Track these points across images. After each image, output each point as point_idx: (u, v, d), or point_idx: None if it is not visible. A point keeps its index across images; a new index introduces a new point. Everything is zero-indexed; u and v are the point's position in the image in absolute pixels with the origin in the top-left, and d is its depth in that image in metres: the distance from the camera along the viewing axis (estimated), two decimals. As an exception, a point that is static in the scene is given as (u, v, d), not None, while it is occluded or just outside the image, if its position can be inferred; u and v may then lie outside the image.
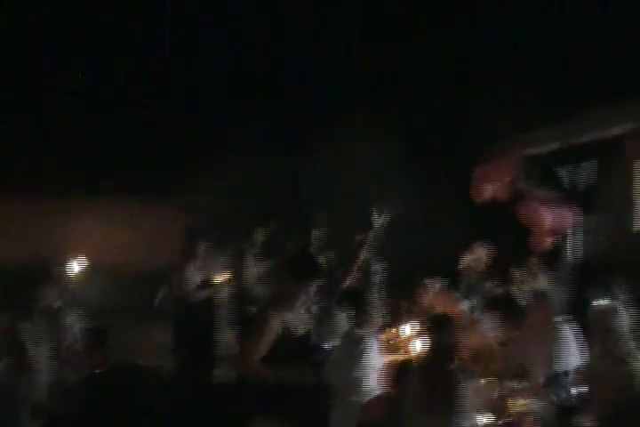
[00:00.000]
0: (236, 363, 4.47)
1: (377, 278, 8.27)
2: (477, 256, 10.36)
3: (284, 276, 4.44)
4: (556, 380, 4.36)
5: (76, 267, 7.58)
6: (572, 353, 5.10)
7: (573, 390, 3.70)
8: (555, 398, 3.90)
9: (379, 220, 6.19)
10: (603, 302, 4.71)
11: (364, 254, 6.57)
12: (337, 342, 4.97)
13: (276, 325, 4.14)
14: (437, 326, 4.16)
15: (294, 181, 12.32)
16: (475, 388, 3.92)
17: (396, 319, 6.51)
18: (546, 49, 9.76)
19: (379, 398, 4.53)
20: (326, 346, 4.79)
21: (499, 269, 9.42)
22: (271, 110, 12.02)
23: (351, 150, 12.18)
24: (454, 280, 8.98)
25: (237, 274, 7.36)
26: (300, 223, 10.56)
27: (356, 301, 5.14)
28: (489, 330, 5.94)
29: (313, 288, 4.40)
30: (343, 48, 12.12)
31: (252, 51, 12.58)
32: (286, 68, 12.61)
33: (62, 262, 7.76)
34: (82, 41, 12.30)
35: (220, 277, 7.37)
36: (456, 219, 10.98)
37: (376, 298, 5.13)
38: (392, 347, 6.15)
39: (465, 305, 6.13)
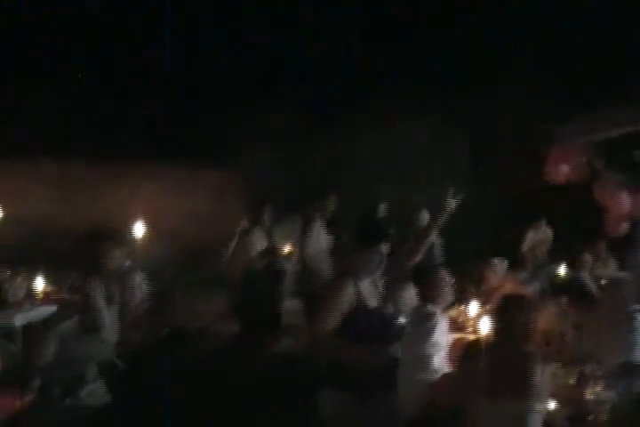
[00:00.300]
0: (312, 332, 4.46)
1: (439, 256, 8.26)
2: (542, 236, 10.22)
3: (353, 242, 4.48)
4: (632, 369, 4.26)
5: (142, 230, 7.69)
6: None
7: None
8: (633, 389, 3.81)
9: (451, 202, 6.10)
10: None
11: (433, 233, 6.56)
12: (407, 318, 4.94)
13: (350, 294, 4.18)
14: (512, 306, 4.07)
15: (353, 154, 12.28)
16: (546, 372, 3.84)
17: (462, 298, 6.45)
18: (619, 25, 9.47)
19: (447, 376, 4.50)
20: (399, 321, 4.77)
21: (565, 252, 9.27)
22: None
23: (411, 129, 12.08)
24: (520, 261, 8.89)
25: (305, 243, 7.34)
26: (361, 197, 10.56)
27: (426, 277, 5.09)
28: (559, 314, 5.88)
29: (382, 253, 4.42)
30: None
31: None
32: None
33: (129, 226, 7.89)
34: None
35: (285, 248, 7.39)
36: (525, 201, 10.84)
37: (445, 275, 5.04)
38: (459, 325, 6.12)
39: (533, 287, 6.02)
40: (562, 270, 7.66)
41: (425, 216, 8.26)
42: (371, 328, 4.24)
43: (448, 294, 5.01)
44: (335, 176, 11.35)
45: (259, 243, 7.42)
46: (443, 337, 4.78)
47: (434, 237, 6.52)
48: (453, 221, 8.72)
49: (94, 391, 5.73)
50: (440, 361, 4.68)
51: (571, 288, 5.96)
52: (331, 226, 7.59)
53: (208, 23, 13.21)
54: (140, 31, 12.96)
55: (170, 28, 13.18)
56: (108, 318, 5.91)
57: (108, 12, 13.12)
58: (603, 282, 7.47)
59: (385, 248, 4.52)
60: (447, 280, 5.00)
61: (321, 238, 7.39)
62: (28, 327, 5.91)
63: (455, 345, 4.92)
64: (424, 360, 4.62)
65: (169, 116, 12.57)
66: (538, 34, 10.95)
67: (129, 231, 7.73)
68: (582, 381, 4.25)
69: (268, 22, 12.89)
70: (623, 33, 9.85)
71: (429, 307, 4.80)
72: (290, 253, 7.41)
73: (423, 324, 4.70)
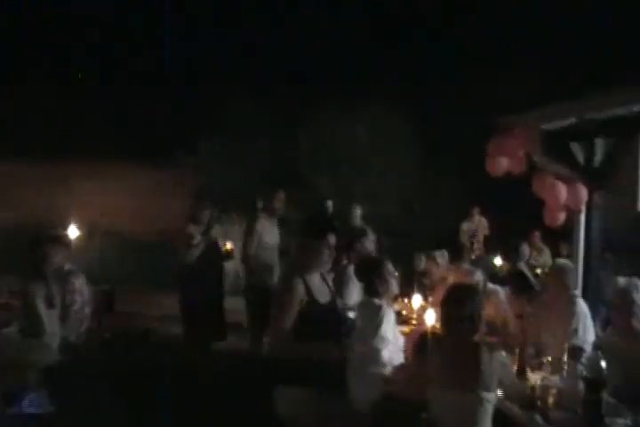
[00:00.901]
0: (271, 332, 4.44)
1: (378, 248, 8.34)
2: (476, 225, 10.42)
3: (302, 235, 4.49)
4: (580, 353, 4.37)
5: (82, 231, 7.53)
6: (589, 327, 5.14)
7: (602, 364, 3.69)
8: (584, 372, 3.90)
9: None
10: (622, 278, 4.69)
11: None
12: (355, 312, 4.96)
13: (300, 290, 4.19)
14: (458, 296, 4.07)
15: (295, 150, 12.30)
16: (493, 361, 3.90)
17: (406, 291, 6.53)
18: (564, 23, 9.73)
19: (401, 369, 4.54)
20: (350, 316, 4.78)
21: (501, 241, 9.47)
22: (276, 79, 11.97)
23: (354, 122, 12.17)
24: (460, 252, 9.05)
25: (248, 241, 7.29)
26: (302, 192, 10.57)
27: (370, 270, 5.10)
28: (503, 302, 6.01)
29: (330, 246, 4.44)
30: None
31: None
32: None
33: (69, 227, 7.73)
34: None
35: (224, 246, 7.32)
36: (460, 192, 11.05)
37: (389, 267, 5.06)
38: (405, 318, 6.19)
39: (478, 277, 6.12)
40: (498, 261, 7.84)
41: (358, 213, 8.36)
42: (323, 324, 4.24)
43: (393, 286, 5.03)
44: (278, 173, 11.39)
45: (198, 242, 7.26)
46: (390, 330, 4.82)
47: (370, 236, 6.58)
48: (395, 215, 8.89)
49: (37, 399, 5.58)
50: (389, 355, 4.72)
51: (510, 278, 6.07)
52: (280, 222, 7.54)
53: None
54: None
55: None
56: (49, 323, 5.75)
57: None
58: (539, 271, 7.68)
59: (332, 241, 4.54)
60: (392, 273, 5.01)
61: (267, 236, 7.31)
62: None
63: (408, 338, 4.97)
64: (373, 354, 4.64)
65: (112, 115, 12.40)
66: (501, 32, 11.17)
67: (67, 233, 7.59)
68: (530, 366, 4.29)
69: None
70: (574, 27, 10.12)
71: (375, 300, 4.81)
72: (229, 252, 7.34)
73: (370, 318, 4.72)
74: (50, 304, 5.86)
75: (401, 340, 4.86)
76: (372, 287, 4.92)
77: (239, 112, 11.94)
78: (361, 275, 5.14)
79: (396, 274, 5.20)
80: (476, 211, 10.24)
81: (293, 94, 11.82)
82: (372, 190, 10.66)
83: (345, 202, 9.55)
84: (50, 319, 5.81)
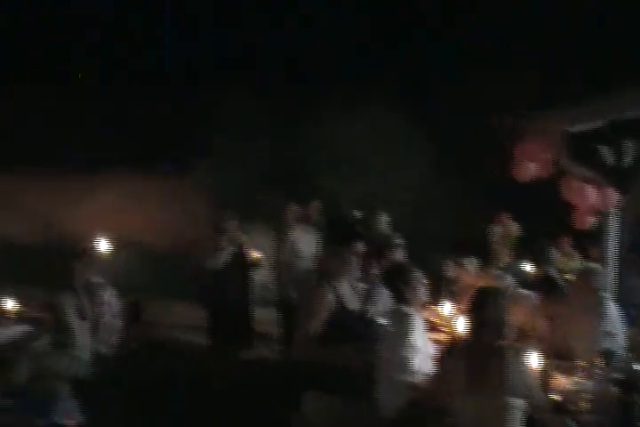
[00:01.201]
0: (297, 341, 4.41)
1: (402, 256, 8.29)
2: (506, 230, 10.32)
3: (330, 243, 4.47)
4: (612, 356, 4.31)
5: (107, 245, 7.59)
6: (620, 330, 5.06)
7: (635, 366, 3.63)
8: (616, 375, 3.84)
9: None
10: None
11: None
12: (384, 320, 4.92)
13: (329, 298, 4.17)
14: (485, 298, 4.04)
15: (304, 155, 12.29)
16: (522, 366, 3.84)
17: (434, 297, 6.46)
18: (588, 22, 9.63)
19: (428, 376, 4.49)
20: (378, 323, 4.75)
21: (530, 246, 9.36)
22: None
23: (373, 124, 12.13)
24: (490, 258, 8.96)
25: (281, 251, 7.21)
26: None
27: (399, 277, 5.06)
28: (532, 307, 5.93)
29: (358, 253, 4.42)
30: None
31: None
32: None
33: (97, 240, 7.78)
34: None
35: (252, 255, 7.26)
36: (487, 198, 10.97)
37: (419, 275, 5.02)
38: (434, 325, 6.13)
39: (507, 282, 6.05)
40: (527, 267, 7.75)
41: (384, 219, 8.30)
42: (351, 330, 4.22)
43: (422, 294, 4.99)
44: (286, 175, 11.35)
45: (224, 252, 7.23)
46: (420, 338, 4.77)
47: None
48: (422, 221, 8.78)
49: (67, 410, 5.62)
50: (419, 363, 4.68)
51: (539, 282, 6.01)
52: (316, 231, 7.40)
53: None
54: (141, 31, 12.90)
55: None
56: (81, 335, 5.80)
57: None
58: (568, 276, 7.58)
59: (360, 248, 4.50)
60: (421, 280, 4.97)
61: (301, 245, 7.19)
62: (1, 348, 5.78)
63: (435, 345, 4.92)
64: (402, 362, 4.59)
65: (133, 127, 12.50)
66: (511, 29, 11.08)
67: (95, 246, 7.64)
68: (561, 371, 4.23)
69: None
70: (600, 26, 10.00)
71: (404, 308, 4.78)
72: (255, 261, 7.24)
73: (399, 326, 4.68)
74: (81, 317, 5.91)
75: (430, 347, 4.81)
76: (401, 295, 4.87)
77: (248, 112, 11.95)
78: (389, 282, 5.11)
79: (425, 281, 5.16)
80: (505, 216, 10.17)
81: (295, 94, 11.80)
82: (393, 198, 10.63)
83: (366, 208, 9.55)
84: (81, 331, 5.86)
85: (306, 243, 7.20)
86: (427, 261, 8.15)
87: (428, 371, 4.59)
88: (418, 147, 11.98)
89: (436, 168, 11.82)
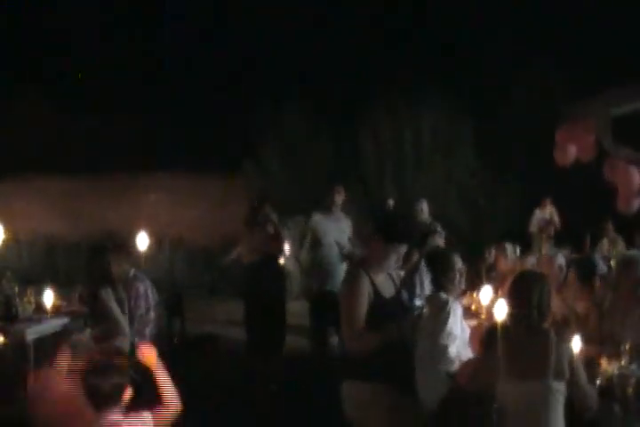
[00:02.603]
0: (345, 332, 4.35)
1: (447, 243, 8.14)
2: (549, 214, 10.11)
3: (375, 239, 4.38)
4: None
5: (146, 240, 7.61)
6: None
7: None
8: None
9: None
10: None
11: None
12: (423, 306, 4.83)
13: (367, 286, 4.14)
14: (527, 281, 3.97)
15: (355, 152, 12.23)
16: (566, 350, 3.73)
17: (474, 284, 6.35)
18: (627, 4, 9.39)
19: (469, 364, 4.39)
20: (416, 309, 4.67)
21: (573, 232, 9.16)
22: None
23: (412, 122, 12.05)
24: (529, 243, 8.80)
25: (303, 241, 7.00)
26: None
27: (438, 263, 4.96)
28: (577, 294, 5.77)
29: (403, 250, 4.35)
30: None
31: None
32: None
33: (134, 235, 7.81)
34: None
35: (285, 248, 7.14)
36: (530, 184, 10.78)
37: (458, 260, 4.91)
38: (473, 312, 6.02)
39: (560, 260, 5.92)
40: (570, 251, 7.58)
41: (425, 207, 8.15)
42: (388, 315, 4.17)
43: (461, 281, 4.89)
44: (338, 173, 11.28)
45: (258, 246, 7.10)
46: (457, 325, 4.67)
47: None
48: (463, 208, 8.60)
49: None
50: (457, 350, 4.58)
51: (577, 265, 5.84)
52: (345, 217, 7.21)
53: (209, 23, 13.22)
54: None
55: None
56: (126, 326, 5.83)
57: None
58: (612, 262, 7.40)
59: (404, 249, 4.42)
60: (460, 268, 4.87)
61: (327, 234, 6.92)
62: (40, 341, 5.85)
63: (475, 332, 4.82)
64: (441, 350, 4.50)
65: (167, 127, 12.58)
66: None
67: (133, 241, 7.68)
68: (606, 358, 4.11)
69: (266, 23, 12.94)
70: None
71: (442, 295, 4.68)
72: (285, 253, 7.08)
73: (437, 312, 4.59)
74: (121, 308, 5.95)
75: (468, 334, 4.72)
76: (439, 282, 4.80)
77: (296, 114, 11.95)
78: (429, 269, 5.04)
79: (464, 269, 5.06)
80: (548, 201, 9.95)
81: (348, 94, 11.77)
82: (434, 187, 10.50)
83: (407, 200, 9.42)
84: (125, 323, 5.90)
85: (327, 230, 6.91)
86: (467, 248, 8.05)
87: (466, 358, 4.51)
88: (459, 135, 11.87)
89: (478, 156, 11.69)
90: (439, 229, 7.70)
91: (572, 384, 3.64)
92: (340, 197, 6.94)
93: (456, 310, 4.67)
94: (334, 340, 6.41)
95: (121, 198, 12.12)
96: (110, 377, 3.24)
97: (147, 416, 3.37)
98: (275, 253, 7.02)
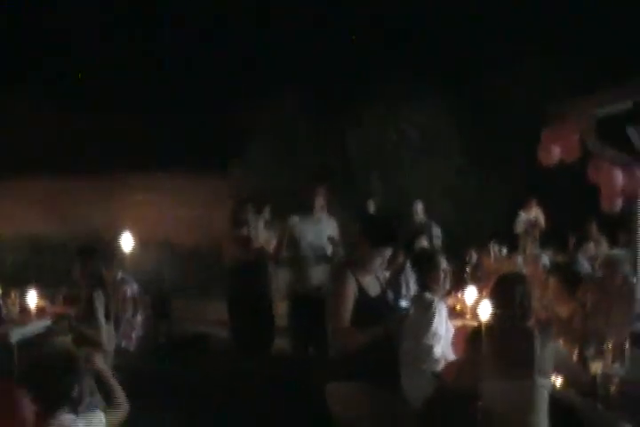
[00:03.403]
0: (332, 330, 4.36)
1: (439, 243, 8.17)
2: (533, 216, 10.15)
3: (360, 241, 4.40)
4: (637, 340, 4.19)
5: (130, 242, 7.59)
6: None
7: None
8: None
9: None
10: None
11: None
12: (406, 304, 4.85)
13: (353, 286, 4.15)
14: (508, 282, 3.99)
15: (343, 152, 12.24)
16: (549, 348, 3.75)
17: (459, 284, 6.37)
18: (614, 5, 9.46)
19: (454, 363, 4.41)
20: (401, 308, 4.68)
21: (557, 233, 9.21)
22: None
23: (400, 122, 12.08)
24: (515, 244, 8.83)
25: (280, 243, 6.90)
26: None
27: (424, 263, 4.97)
28: (559, 298, 5.81)
29: (389, 253, 4.36)
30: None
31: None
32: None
33: (122, 237, 7.79)
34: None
35: (268, 248, 7.10)
36: (515, 184, 10.84)
37: (443, 261, 4.92)
38: (459, 312, 6.04)
39: (544, 260, 5.95)
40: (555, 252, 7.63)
41: (420, 208, 8.16)
42: (372, 314, 4.19)
43: (446, 282, 4.89)
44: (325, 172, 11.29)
45: (244, 244, 7.03)
46: (442, 326, 4.69)
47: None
48: (449, 208, 8.62)
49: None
50: (442, 350, 4.59)
51: (561, 267, 5.88)
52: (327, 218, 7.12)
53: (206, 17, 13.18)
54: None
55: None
56: (106, 329, 5.82)
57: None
58: (597, 262, 7.45)
59: (389, 252, 4.44)
60: (445, 268, 4.88)
61: (308, 236, 6.65)
62: (24, 342, 5.82)
63: (460, 332, 4.83)
64: (425, 350, 4.51)
65: (155, 127, 12.53)
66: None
67: (119, 244, 7.65)
68: (591, 355, 4.14)
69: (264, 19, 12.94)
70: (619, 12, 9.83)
71: (427, 295, 4.69)
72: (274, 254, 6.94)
73: (422, 313, 4.60)
74: (106, 311, 5.93)
75: (452, 334, 4.74)
76: (424, 282, 4.80)
77: (283, 113, 11.96)
78: (414, 269, 5.04)
79: (449, 269, 5.07)
80: (533, 202, 9.98)
81: (337, 93, 11.76)
82: (422, 186, 10.56)
83: (396, 201, 9.46)
84: (106, 326, 5.88)
85: (304, 232, 6.68)
86: (452, 248, 8.07)
87: (450, 358, 4.52)
88: (446, 136, 11.91)
89: (464, 156, 11.74)
90: (434, 227, 7.74)
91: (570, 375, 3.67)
92: (320, 199, 6.78)
93: (441, 311, 4.68)
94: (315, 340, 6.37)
95: (107, 199, 12.08)
96: (60, 378, 3.23)
97: (98, 416, 3.37)
98: (250, 256, 7.01)
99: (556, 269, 5.71)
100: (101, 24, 13.46)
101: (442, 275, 4.83)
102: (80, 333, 5.68)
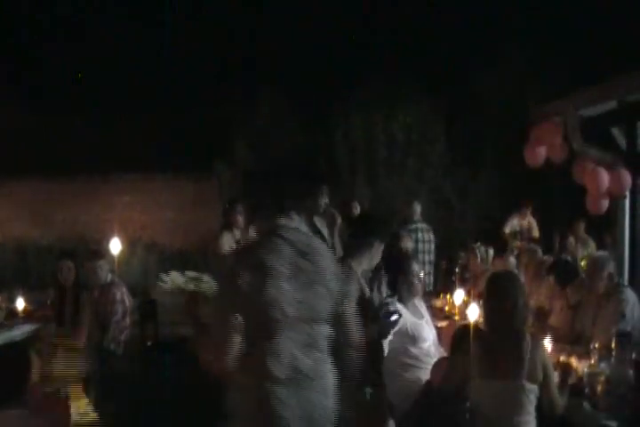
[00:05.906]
0: None
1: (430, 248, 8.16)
2: (526, 223, 10.16)
3: (354, 233, 4.43)
4: (628, 338, 4.21)
5: (119, 245, 7.56)
6: (635, 314, 4.97)
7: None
8: (633, 356, 3.75)
9: None
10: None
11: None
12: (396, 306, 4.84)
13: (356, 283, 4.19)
14: (500, 282, 3.92)
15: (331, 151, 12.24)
16: (538, 349, 3.75)
17: (446, 286, 6.38)
18: (599, 5, 9.50)
19: (440, 362, 4.42)
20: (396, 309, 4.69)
21: (544, 233, 9.23)
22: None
23: (388, 120, 12.08)
24: (503, 245, 8.82)
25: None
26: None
27: (396, 267, 4.92)
28: (550, 294, 5.85)
29: (372, 249, 4.36)
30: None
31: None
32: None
33: (110, 240, 7.76)
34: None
35: None
36: (502, 185, 10.87)
37: (414, 266, 4.89)
38: (447, 313, 6.05)
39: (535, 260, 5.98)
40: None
41: (418, 209, 8.13)
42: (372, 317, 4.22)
43: (418, 283, 4.87)
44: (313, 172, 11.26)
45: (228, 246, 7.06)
46: (424, 327, 4.70)
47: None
48: (435, 209, 8.59)
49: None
50: (425, 351, 4.62)
51: (555, 267, 5.90)
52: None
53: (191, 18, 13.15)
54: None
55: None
56: (93, 332, 5.81)
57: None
58: (583, 263, 7.50)
59: (380, 248, 4.45)
60: (417, 269, 4.87)
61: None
62: (9, 346, 5.76)
63: (447, 331, 4.84)
64: (406, 352, 4.56)
65: (140, 128, 12.46)
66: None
67: (107, 247, 7.62)
68: (579, 356, 4.16)
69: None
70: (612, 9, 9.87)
71: (393, 304, 4.64)
72: None
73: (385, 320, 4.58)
74: (95, 314, 5.92)
75: (433, 335, 4.76)
76: (395, 284, 4.78)
77: (268, 113, 11.92)
78: (385, 271, 5.00)
79: (422, 274, 5.07)
80: (528, 211, 9.89)
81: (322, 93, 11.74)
82: (410, 188, 10.56)
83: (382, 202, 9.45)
84: (93, 329, 5.86)
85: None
86: (439, 249, 8.06)
87: (436, 359, 4.53)
88: (433, 137, 11.92)
89: (451, 158, 11.76)
90: (427, 227, 7.72)
91: (544, 388, 3.65)
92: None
93: (418, 311, 4.71)
94: None
95: (93, 201, 12.02)
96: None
97: (52, 414, 3.32)
98: None
99: (555, 269, 5.75)
100: (82, 21, 13.39)
101: (413, 278, 4.81)
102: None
